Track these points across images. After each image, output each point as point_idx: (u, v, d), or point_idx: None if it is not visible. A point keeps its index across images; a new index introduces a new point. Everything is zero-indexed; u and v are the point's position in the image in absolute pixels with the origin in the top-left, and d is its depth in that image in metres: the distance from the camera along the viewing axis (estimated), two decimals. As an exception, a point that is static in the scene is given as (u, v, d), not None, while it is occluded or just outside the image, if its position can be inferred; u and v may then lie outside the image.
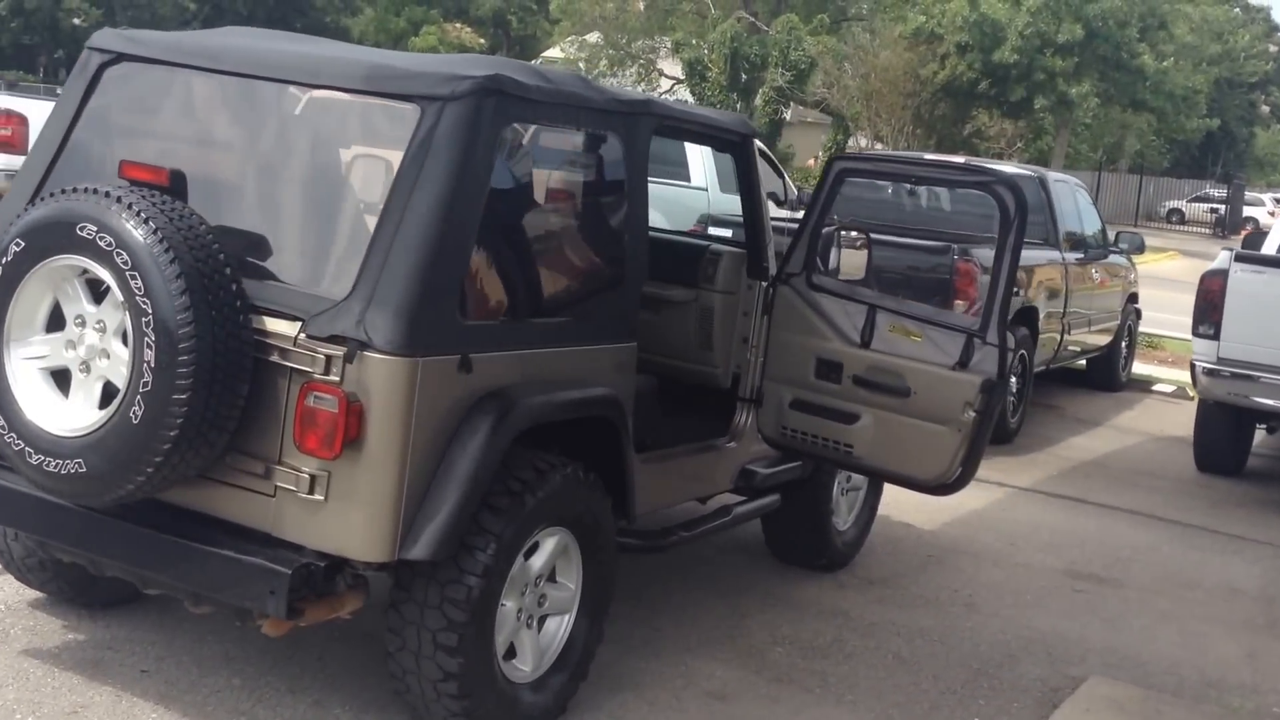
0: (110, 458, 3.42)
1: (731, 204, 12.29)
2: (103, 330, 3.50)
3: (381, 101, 3.79)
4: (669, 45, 36.19)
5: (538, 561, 4.04)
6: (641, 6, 37.85)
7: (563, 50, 38.83)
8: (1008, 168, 11.62)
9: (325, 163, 3.96)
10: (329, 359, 3.46)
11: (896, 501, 7.40)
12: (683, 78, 34.99)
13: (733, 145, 5.14)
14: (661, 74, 37.07)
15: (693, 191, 11.31)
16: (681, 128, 4.86)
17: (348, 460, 3.48)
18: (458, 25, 42.58)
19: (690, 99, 34.64)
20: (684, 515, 5.23)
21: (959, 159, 11.35)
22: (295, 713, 4.08)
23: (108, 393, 3.50)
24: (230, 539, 3.61)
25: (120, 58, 4.12)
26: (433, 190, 3.59)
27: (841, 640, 5.26)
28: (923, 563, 6.46)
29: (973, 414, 4.71)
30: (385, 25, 42.25)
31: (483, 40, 43.69)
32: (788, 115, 35.98)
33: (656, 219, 10.24)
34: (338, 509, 3.51)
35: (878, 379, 4.90)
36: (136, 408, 3.37)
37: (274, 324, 3.55)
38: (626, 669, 4.68)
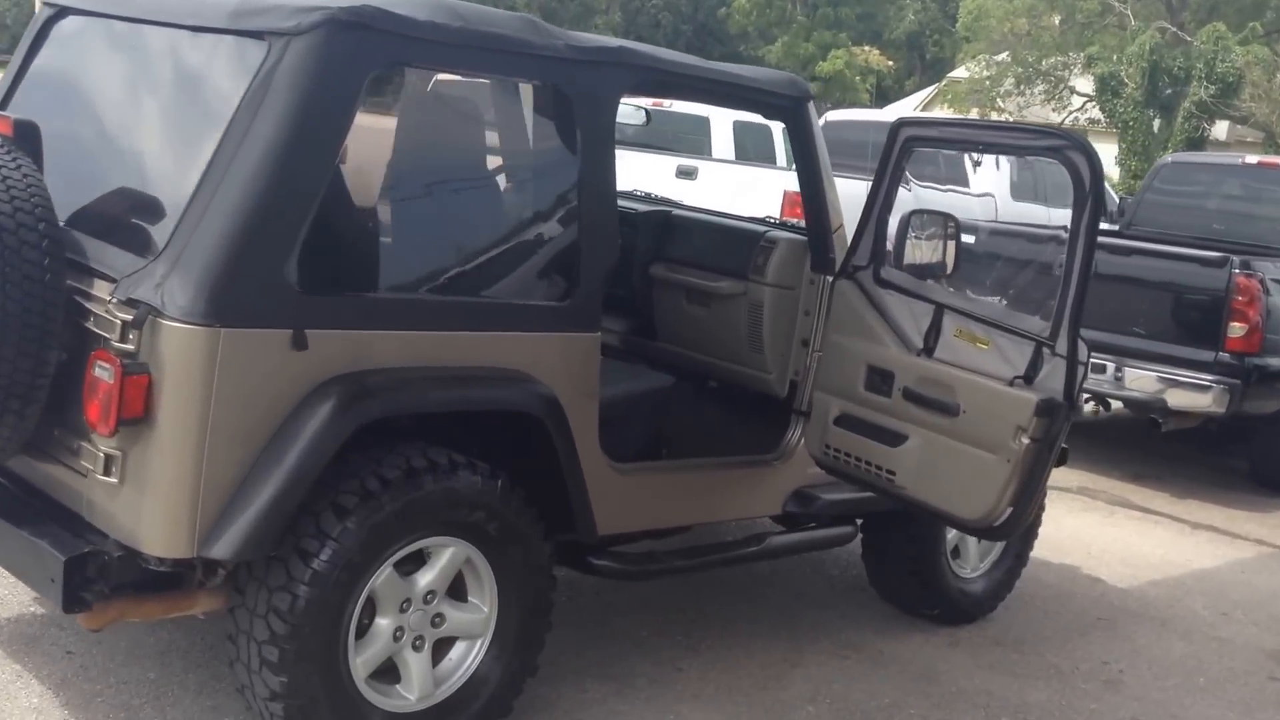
0: None
1: (1031, 214, 11.14)
2: None
3: (239, 39, 3.40)
4: (1081, 61, 33.83)
5: (425, 576, 3.53)
6: (1056, 21, 35.65)
7: (968, 70, 37.18)
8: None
9: (185, 110, 3.62)
10: (124, 325, 3.12)
11: (1104, 550, 6.31)
12: (1093, 94, 32.62)
13: (781, 111, 4.38)
14: (1073, 91, 34.73)
15: (972, 199, 10.27)
16: (684, 85, 4.15)
17: (139, 440, 3.11)
18: (866, 48, 41.76)
19: (1101, 116, 32.26)
20: (709, 539, 4.52)
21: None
22: (186, 714, 3.77)
23: None
24: (51, 522, 3.33)
25: (64, 12, 4.00)
26: (264, 139, 3.17)
27: (899, 705, 4.35)
28: (1085, 626, 5.34)
29: (1026, 441, 3.75)
30: (794, 50, 42.03)
31: (891, 63, 42.65)
32: (1221, 134, 32.81)
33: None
34: (131, 495, 3.16)
35: (927, 393, 4.02)
36: (-73, 369, 3.16)
37: (99, 286, 3.26)
38: (601, 712, 4.05)
